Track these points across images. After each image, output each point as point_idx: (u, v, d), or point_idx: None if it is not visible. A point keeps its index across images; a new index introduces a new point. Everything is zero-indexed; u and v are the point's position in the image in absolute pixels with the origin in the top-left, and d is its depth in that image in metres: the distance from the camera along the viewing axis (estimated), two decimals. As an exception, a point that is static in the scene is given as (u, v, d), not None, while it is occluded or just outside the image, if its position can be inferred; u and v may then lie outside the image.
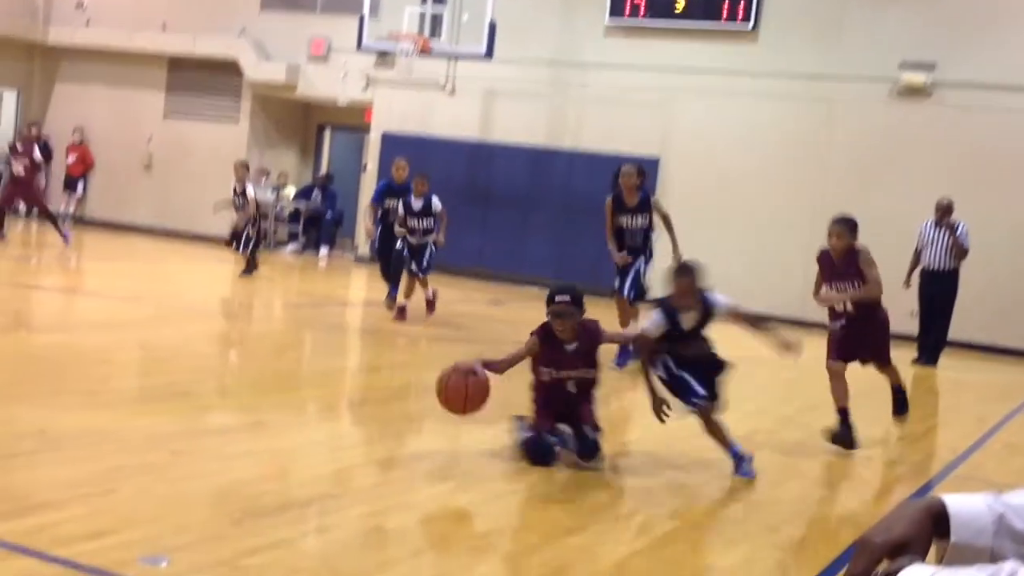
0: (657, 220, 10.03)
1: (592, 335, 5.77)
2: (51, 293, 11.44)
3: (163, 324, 10.02)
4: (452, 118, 17.80)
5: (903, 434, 8.45)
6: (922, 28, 15.24)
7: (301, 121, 20.56)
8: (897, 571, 1.42)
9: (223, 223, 19.27)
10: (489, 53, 16.01)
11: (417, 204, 11.44)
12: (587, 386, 5.81)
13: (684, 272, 6.02)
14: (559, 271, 17.19)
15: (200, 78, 19.80)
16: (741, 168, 16.00)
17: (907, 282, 12.54)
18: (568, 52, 17.07)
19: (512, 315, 13.54)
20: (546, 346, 5.66)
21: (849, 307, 7.06)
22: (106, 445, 5.13)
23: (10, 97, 21.43)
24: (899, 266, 12.73)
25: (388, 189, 12.31)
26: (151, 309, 10.47)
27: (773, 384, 10.37)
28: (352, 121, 19.58)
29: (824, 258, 7.32)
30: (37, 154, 16.38)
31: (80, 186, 20.47)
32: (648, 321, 5.96)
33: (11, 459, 4.72)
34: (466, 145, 17.65)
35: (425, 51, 16.07)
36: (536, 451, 5.54)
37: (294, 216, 19.60)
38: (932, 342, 12.56)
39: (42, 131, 20.60)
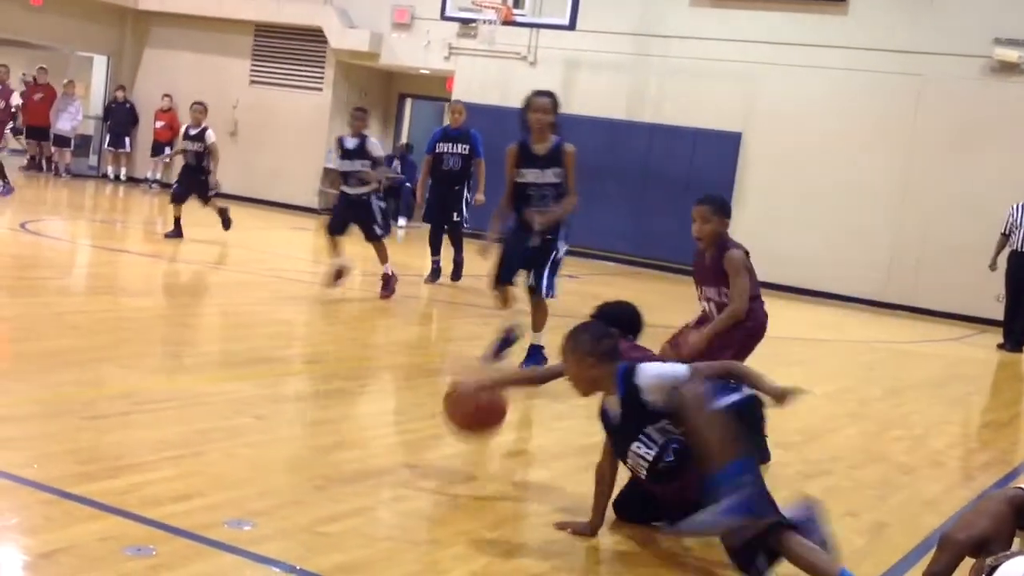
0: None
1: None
2: (137, 257, 11.69)
3: (246, 290, 10.18)
4: (533, 89, 17.70)
5: (987, 421, 8.30)
6: (1017, 3, 14.79)
7: (383, 90, 20.67)
8: (999, 565, 1.41)
9: (302, 191, 19.57)
10: (572, 23, 15.91)
11: (350, 143, 9.86)
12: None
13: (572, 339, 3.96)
14: (637, 245, 17.15)
15: (285, 45, 20.01)
16: (827, 144, 15.73)
17: (993, 265, 12.26)
18: (652, 23, 16.89)
19: (586, 289, 13.52)
20: None
21: (714, 311, 5.47)
22: (192, 408, 5.24)
23: (100, 62, 21.87)
24: (988, 248, 12.46)
25: (444, 135, 11.61)
26: (234, 275, 10.65)
27: (853, 366, 10.23)
28: (433, 91, 19.63)
29: (696, 257, 5.59)
30: (16, 99, 16.47)
31: (167, 152, 20.84)
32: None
33: (101, 420, 4.84)
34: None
35: (508, 20, 16.02)
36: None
37: (374, 185, 19.75)
38: (1019, 327, 12.25)
39: (128, 95, 21.03)
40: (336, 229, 9.85)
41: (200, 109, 13.04)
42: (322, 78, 19.71)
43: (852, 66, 15.56)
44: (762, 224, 15.96)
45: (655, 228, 16.27)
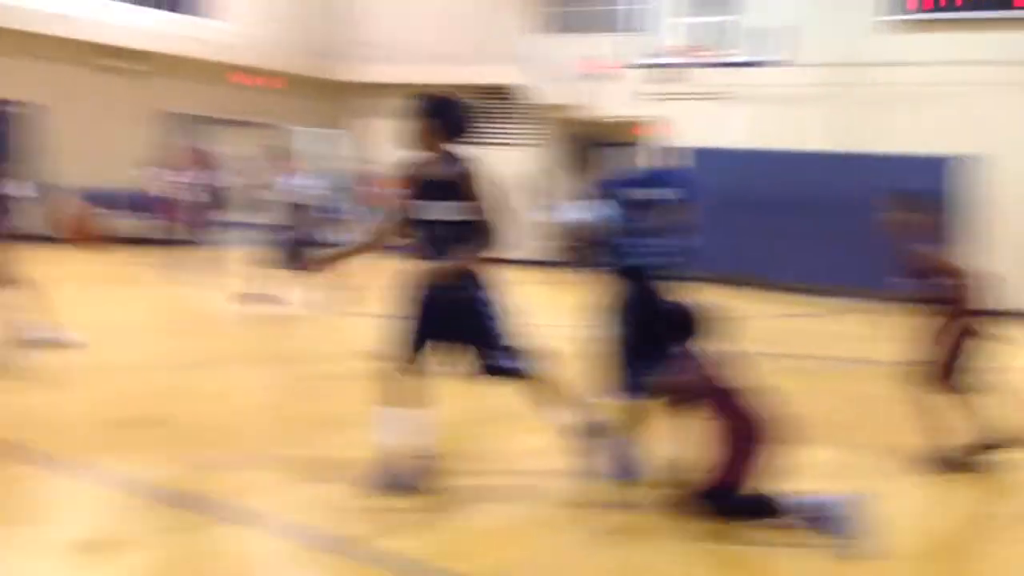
0: None
1: None
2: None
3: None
4: (728, 127, 17.61)
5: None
6: None
7: (579, 140, 21.00)
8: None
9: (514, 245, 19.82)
10: (770, 60, 15.84)
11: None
12: None
13: None
14: (869, 278, 16.38)
15: (484, 106, 20.57)
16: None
17: None
18: (847, 52, 16.60)
19: (822, 328, 12.99)
20: None
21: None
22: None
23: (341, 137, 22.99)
24: None
25: (647, 179, 9.86)
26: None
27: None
28: (629, 137, 19.75)
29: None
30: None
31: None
32: None
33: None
34: (755, 154, 17.23)
35: (698, 62, 16.01)
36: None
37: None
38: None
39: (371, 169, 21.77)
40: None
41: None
42: (523, 134, 20.17)
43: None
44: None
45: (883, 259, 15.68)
